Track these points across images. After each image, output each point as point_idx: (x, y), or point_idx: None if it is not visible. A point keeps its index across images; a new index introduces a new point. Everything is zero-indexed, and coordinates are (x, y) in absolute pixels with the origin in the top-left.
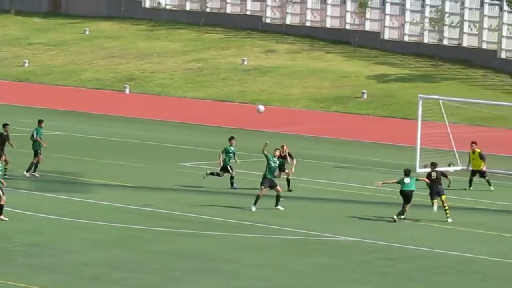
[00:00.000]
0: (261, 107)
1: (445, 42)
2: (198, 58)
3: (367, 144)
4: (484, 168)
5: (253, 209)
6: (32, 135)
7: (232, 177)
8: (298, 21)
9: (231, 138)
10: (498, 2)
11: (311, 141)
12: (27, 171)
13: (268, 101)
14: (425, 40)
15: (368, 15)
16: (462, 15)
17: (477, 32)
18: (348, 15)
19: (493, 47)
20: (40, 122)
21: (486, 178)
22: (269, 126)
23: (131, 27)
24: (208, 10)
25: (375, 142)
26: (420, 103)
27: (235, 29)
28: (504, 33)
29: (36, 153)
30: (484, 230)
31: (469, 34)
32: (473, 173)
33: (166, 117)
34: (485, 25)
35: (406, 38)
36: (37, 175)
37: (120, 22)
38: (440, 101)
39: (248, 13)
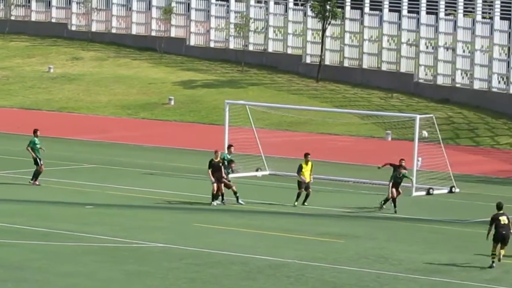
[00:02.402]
0: (425, 133)
1: (251, 47)
2: (4, 67)
3: (175, 150)
4: (311, 180)
5: (215, 203)
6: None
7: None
8: (104, 28)
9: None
10: (302, 7)
11: (119, 148)
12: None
13: (75, 108)
14: (231, 46)
15: (173, 22)
16: (267, 20)
17: (282, 38)
18: (153, 22)
19: (298, 52)
20: (34, 132)
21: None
22: (77, 133)
23: None
24: (13, 18)
25: (183, 148)
26: (227, 109)
27: (40, 37)
28: (309, 38)
29: (36, 162)
30: (292, 234)
31: (274, 39)
32: (305, 187)
33: None
34: (289, 31)
35: (212, 44)
36: (37, 183)
37: None
38: (247, 106)
39: (53, 20)
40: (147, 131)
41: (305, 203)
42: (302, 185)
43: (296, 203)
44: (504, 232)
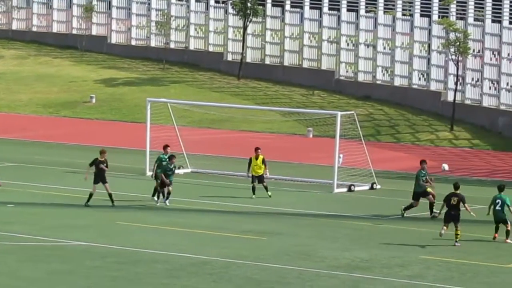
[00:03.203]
0: (446, 166)
1: (172, 45)
2: None
3: (97, 149)
4: (267, 173)
5: (157, 201)
6: None
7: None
8: (25, 27)
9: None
10: (223, 5)
11: (40, 146)
12: None
13: None
14: (152, 44)
15: (94, 20)
16: (188, 18)
17: (203, 35)
18: (74, 20)
19: (220, 50)
20: None
21: (265, 184)
22: None
23: None
24: None
25: (105, 146)
26: (149, 107)
27: None
28: (230, 36)
29: None
30: (215, 231)
31: (195, 37)
32: (256, 179)
33: None
34: (211, 28)
35: (134, 42)
36: None
37: None
38: (169, 104)
39: None
40: (69, 129)
41: (269, 194)
42: (254, 179)
43: (253, 196)
44: (452, 213)
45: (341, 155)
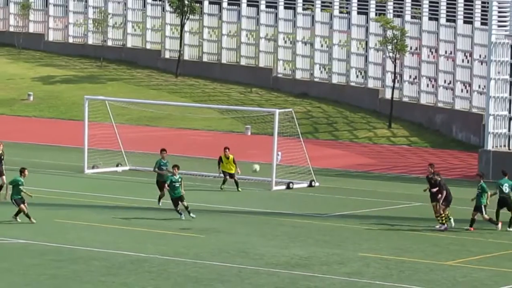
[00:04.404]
0: (257, 166)
1: (110, 43)
2: None
3: (35, 146)
4: (239, 172)
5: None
6: None
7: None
8: None
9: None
10: (160, 2)
11: None
12: None
13: None
14: (90, 42)
15: (31, 17)
16: (125, 16)
17: (140, 33)
18: (11, 17)
19: (157, 47)
20: None
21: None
22: None
23: None
24: None
25: (43, 144)
26: (86, 104)
27: None
28: (167, 33)
29: None
30: (154, 229)
31: (133, 34)
32: (228, 175)
33: None
34: (148, 26)
35: (71, 40)
36: None
37: None
38: (106, 102)
39: None
40: (6, 127)
41: (239, 189)
42: (226, 174)
43: (222, 186)
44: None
45: (279, 153)
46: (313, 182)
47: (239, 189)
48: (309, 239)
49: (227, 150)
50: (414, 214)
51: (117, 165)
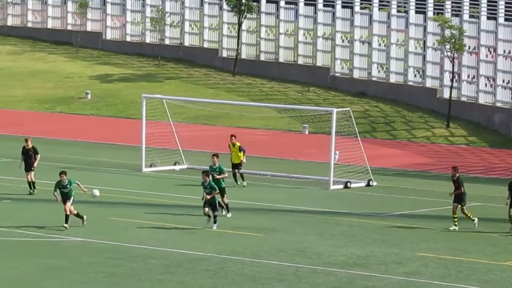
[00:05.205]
0: (96, 192)
1: (167, 41)
2: None
3: (93, 145)
4: (244, 160)
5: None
6: None
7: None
8: (20, 22)
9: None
10: (217, 1)
11: (35, 142)
12: None
13: None
14: (147, 40)
15: (89, 16)
16: (182, 14)
17: (198, 32)
18: (69, 16)
19: (214, 46)
20: None
21: (240, 171)
22: None
23: None
24: None
25: (101, 142)
26: (144, 103)
27: None
28: (225, 32)
29: None
30: (209, 228)
31: (190, 33)
32: (235, 166)
33: None
34: (205, 24)
35: (128, 38)
36: None
37: None
38: (164, 100)
39: None
40: (64, 125)
41: (244, 183)
42: (233, 166)
43: (238, 183)
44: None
45: (337, 152)
46: (370, 182)
47: (244, 183)
48: (366, 238)
49: (233, 137)
50: (472, 214)
51: (174, 164)
